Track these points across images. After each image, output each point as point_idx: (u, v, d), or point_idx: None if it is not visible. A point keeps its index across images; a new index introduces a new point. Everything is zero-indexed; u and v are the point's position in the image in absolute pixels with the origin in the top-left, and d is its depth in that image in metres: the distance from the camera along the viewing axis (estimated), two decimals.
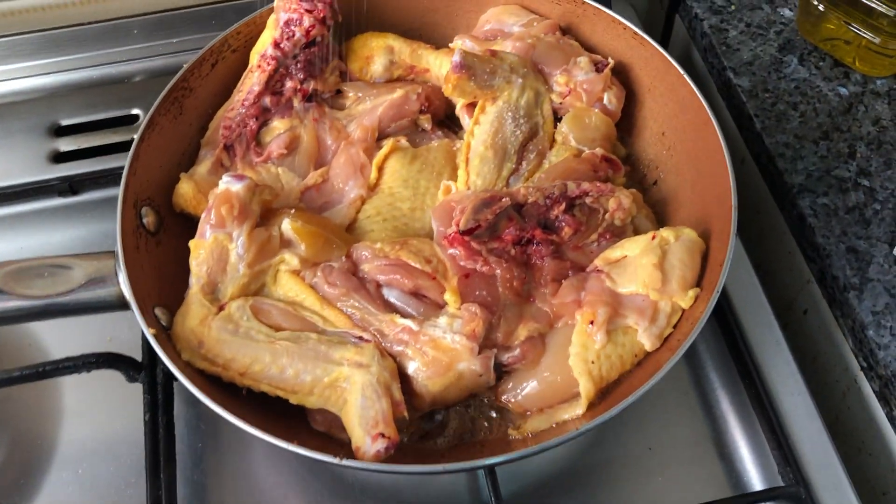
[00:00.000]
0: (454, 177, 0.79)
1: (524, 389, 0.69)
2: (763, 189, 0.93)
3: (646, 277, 0.68)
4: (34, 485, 0.76)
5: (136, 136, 0.74)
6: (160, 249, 0.74)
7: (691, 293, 0.68)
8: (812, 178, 0.86)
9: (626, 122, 0.83)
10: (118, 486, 0.76)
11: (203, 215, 0.70)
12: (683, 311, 0.68)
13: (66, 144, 0.96)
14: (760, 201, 0.95)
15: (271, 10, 0.82)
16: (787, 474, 0.72)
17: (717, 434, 0.78)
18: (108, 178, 0.92)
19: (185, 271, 0.71)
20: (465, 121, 0.82)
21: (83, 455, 0.78)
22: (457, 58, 0.76)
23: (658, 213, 0.79)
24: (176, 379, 0.77)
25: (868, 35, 0.89)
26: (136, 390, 0.77)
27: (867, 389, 0.82)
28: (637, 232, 0.74)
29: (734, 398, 0.79)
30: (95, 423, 0.79)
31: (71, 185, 0.92)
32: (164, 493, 0.71)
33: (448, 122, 0.86)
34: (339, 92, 0.85)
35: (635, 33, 0.80)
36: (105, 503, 0.75)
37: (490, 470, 0.70)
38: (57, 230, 0.91)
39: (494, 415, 0.69)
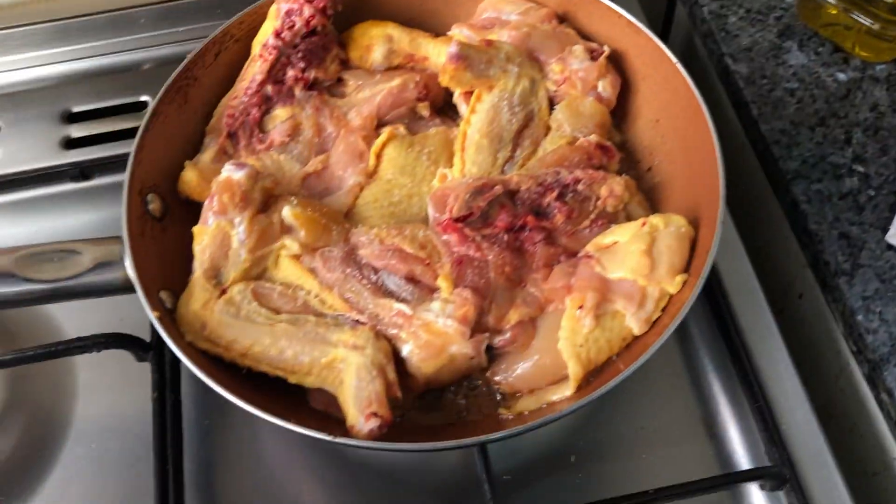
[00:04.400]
0: (451, 164, 0.81)
1: (515, 371, 0.71)
2: (762, 174, 0.94)
3: (634, 264, 0.70)
4: (50, 459, 0.79)
5: (140, 126, 0.77)
6: (166, 235, 0.76)
7: (679, 279, 0.69)
8: (807, 165, 0.87)
9: (621, 110, 0.85)
10: (128, 460, 0.79)
11: (206, 202, 0.73)
12: (671, 295, 0.70)
13: (77, 131, 0.98)
14: (760, 186, 0.96)
15: (272, 0, 0.83)
16: (772, 454, 0.74)
17: (707, 415, 0.80)
18: (117, 163, 0.93)
19: (190, 256, 0.73)
20: (463, 108, 0.83)
21: (95, 431, 0.81)
22: (453, 49, 0.77)
23: (652, 200, 0.81)
24: None
25: (867, 21, 0.89)
26: (146, 369, 0.80)
27: (858, 373, 0.83)
28: (629, 218, 0.76)
29: (725, 381, 0.80)
30: (107, 400, 0.83)
31: (82, 171, 0.95)
32: (170, 468, 0.74)
33: (447, 110, 0.87)
34: (340, 80, 0.86)
35: (630, 22, 0.81)
36: (115, 477, 0.78)
37: (481, 448, 0.72)
38: (69, 214, 0.94)
39: (487, 395, 0.71)
